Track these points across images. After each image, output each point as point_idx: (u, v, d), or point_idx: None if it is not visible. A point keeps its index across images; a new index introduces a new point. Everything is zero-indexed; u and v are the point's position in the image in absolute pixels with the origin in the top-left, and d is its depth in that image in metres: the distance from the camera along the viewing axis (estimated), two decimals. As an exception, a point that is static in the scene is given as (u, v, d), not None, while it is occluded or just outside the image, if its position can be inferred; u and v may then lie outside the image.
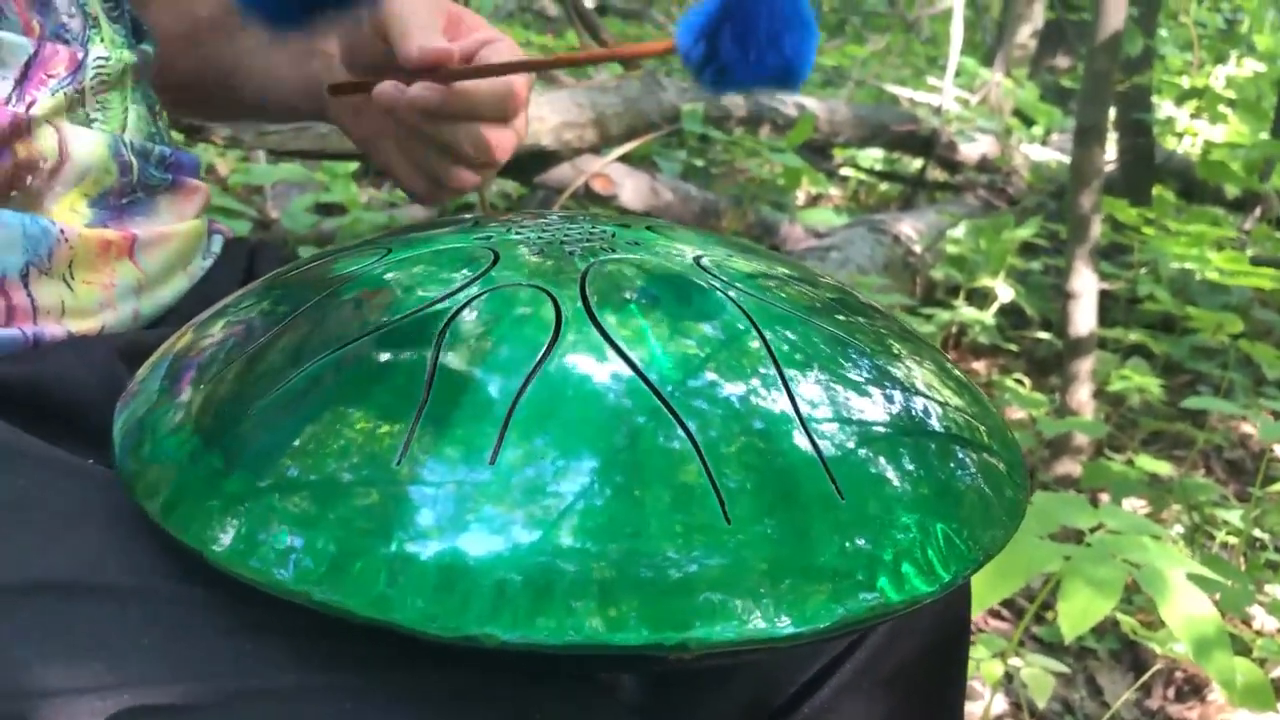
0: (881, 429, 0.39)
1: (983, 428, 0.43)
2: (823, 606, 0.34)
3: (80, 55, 0.54)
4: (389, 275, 0.43)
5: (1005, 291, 2.49)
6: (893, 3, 5.70)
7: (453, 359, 0.38)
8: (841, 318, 0.44)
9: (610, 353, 0.38)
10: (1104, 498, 1.82)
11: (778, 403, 0.38)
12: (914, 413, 0.41)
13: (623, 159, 2.35)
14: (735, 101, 2.69)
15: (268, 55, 0.70)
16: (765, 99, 2.77)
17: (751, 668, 0.56)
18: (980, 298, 2.57)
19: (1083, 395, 1.94)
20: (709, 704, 0.55)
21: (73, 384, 0.51)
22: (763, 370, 0.39)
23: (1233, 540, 1.72)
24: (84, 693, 0.34)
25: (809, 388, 0.39)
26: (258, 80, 0.71)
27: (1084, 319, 1.93)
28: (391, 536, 0.34)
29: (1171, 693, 1.49)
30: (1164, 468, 1.83)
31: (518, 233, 0.46)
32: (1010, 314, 2.62)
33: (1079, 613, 1.05)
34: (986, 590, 1.06)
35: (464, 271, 0.42)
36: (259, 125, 1.82)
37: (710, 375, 0.38)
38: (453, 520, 0.34)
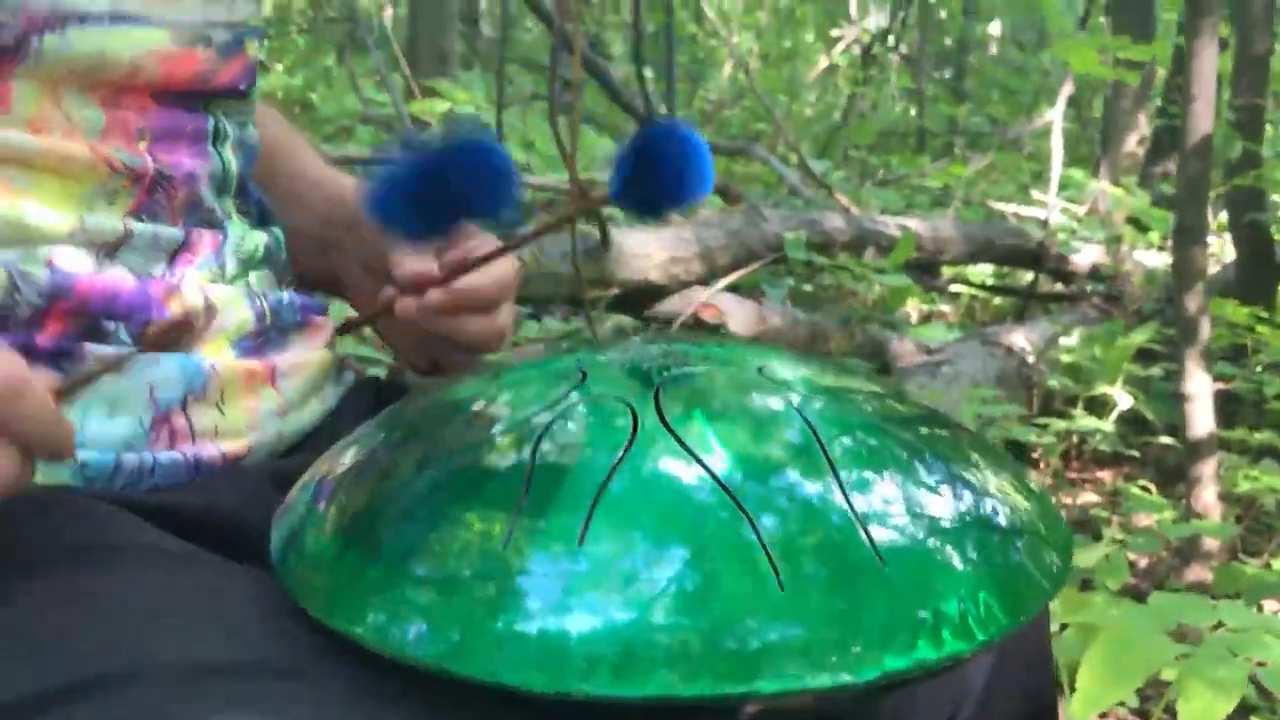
0: (921, 510, 0.45)
1: (1025, 510, 0.48)
2: (869, 661, 0.39)
3: (221, 239, 0.65)
4: (495, 396, 0.51)
5: (1124, 399, 2.47)
6: (994, 122, 5.77)
7: (546, 462, 0.45)
8: (892, 413, 0.50)
9: (680, 452, 0.44)
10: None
11: (826, 486, 0.44)
12: (955, 496, 0.46)
13: (731, 288, 2.44)
14: (838, 226, 2.77)
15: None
16: (867, 222, 2.85)
17: None
18: (1099, 406, 2.54)
19: (1208, 498, 1.91)
20: None
21: (233, 510, 0.59)
22: (813, 461, 0.45)
23: (1381, 643, 1.65)
24: None
25: (857, 475, 0.45)
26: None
27: (1202, 421, 1.91)
28: (498, 615, 0.40)
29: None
30: (1302, 570, 1.78)
31: (603, 355, 0.53)
32: (1132, 422, 2.58)
33: (1199, 715, 1.03)
34: (1101, 692, 1.06)
35: (558, 389, 0.49)
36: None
37: (766, 467, 0.44)
38: (549, 597, 0.40)
